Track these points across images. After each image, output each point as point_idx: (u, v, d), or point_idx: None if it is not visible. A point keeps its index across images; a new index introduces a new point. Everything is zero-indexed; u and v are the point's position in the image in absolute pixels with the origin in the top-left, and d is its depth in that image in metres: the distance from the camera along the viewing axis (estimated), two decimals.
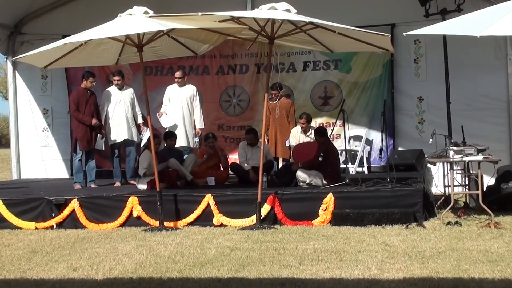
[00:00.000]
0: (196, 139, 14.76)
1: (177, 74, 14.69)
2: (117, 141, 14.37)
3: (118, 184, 14.24)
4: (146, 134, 14.19)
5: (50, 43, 11.54)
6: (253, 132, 13.86)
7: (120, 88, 14.44)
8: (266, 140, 13.98)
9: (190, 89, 14.75)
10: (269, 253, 8.80)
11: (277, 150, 14.57)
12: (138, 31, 11.14)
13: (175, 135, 13.87)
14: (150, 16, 11.10)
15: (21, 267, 8.53)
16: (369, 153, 15.67)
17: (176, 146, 13.84)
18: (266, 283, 7.15)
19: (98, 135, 14.01)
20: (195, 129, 14.74)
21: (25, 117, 17.35)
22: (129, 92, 14.56)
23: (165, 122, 14.53)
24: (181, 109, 14.51)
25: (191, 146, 14.63)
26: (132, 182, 14.05)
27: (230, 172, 14.15)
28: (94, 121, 13.73)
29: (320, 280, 7.21)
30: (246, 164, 13.68)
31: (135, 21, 10.97)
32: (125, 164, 14.59)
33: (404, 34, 11.16)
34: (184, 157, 13.79)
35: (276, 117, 14.63)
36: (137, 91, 14.65)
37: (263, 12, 10.89)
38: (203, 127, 14.91)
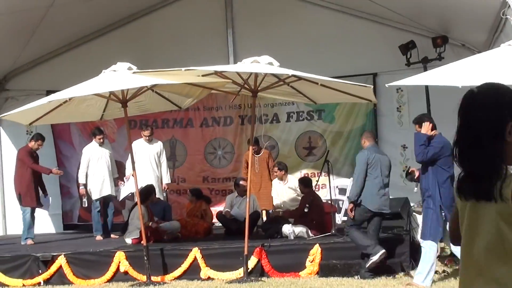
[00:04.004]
0: (164, 194, 14.74)
1: (147, 132, 14.51)
2: (101, 196, 14.31)
3: (100, 237, 14.18)
4: (123, 188, 14.28)
5: (34, 99, 11.60)
6: (244, 179, 13.92)
7: (101, 144, 14.44)
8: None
9: (158, 145, 14.74)
10: None
11: (260, 203, 14.51)
12: (122, 88, 11.21)
13: (155, 190, 13.78)
14: (133, 72, 11.17)
15: None
16: None
17: None
18: None
19: (42, 194, 14.25)
20: (161, 184, 14.68)
21: (11, 173, 17.27)
22: (107, 149, 14.57)
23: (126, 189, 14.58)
24: (150, 164, 14.42)
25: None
26: (113, 236, 14.07)
27: (215, 221, 14.25)
28: (55, 170, 14.12)
29: None
30: (227, 210, 13.85)
31: (119, 77, 11.06)
32: (105, 217, 14.55)
33: (387, 85, 11.21)
34: None
35: (257, 171, 14.51)
36: (122, 144, 14.67)
37: (246, 65, 10.98)
38: (170, 182, 15.00)
